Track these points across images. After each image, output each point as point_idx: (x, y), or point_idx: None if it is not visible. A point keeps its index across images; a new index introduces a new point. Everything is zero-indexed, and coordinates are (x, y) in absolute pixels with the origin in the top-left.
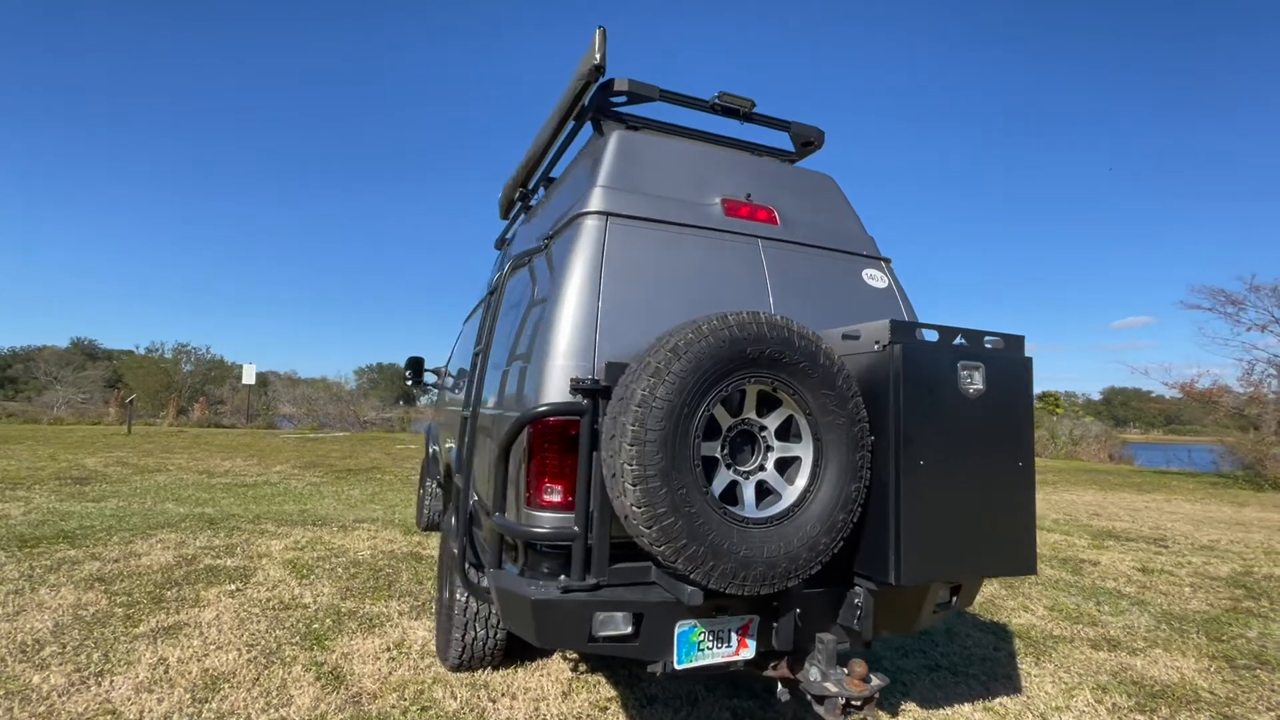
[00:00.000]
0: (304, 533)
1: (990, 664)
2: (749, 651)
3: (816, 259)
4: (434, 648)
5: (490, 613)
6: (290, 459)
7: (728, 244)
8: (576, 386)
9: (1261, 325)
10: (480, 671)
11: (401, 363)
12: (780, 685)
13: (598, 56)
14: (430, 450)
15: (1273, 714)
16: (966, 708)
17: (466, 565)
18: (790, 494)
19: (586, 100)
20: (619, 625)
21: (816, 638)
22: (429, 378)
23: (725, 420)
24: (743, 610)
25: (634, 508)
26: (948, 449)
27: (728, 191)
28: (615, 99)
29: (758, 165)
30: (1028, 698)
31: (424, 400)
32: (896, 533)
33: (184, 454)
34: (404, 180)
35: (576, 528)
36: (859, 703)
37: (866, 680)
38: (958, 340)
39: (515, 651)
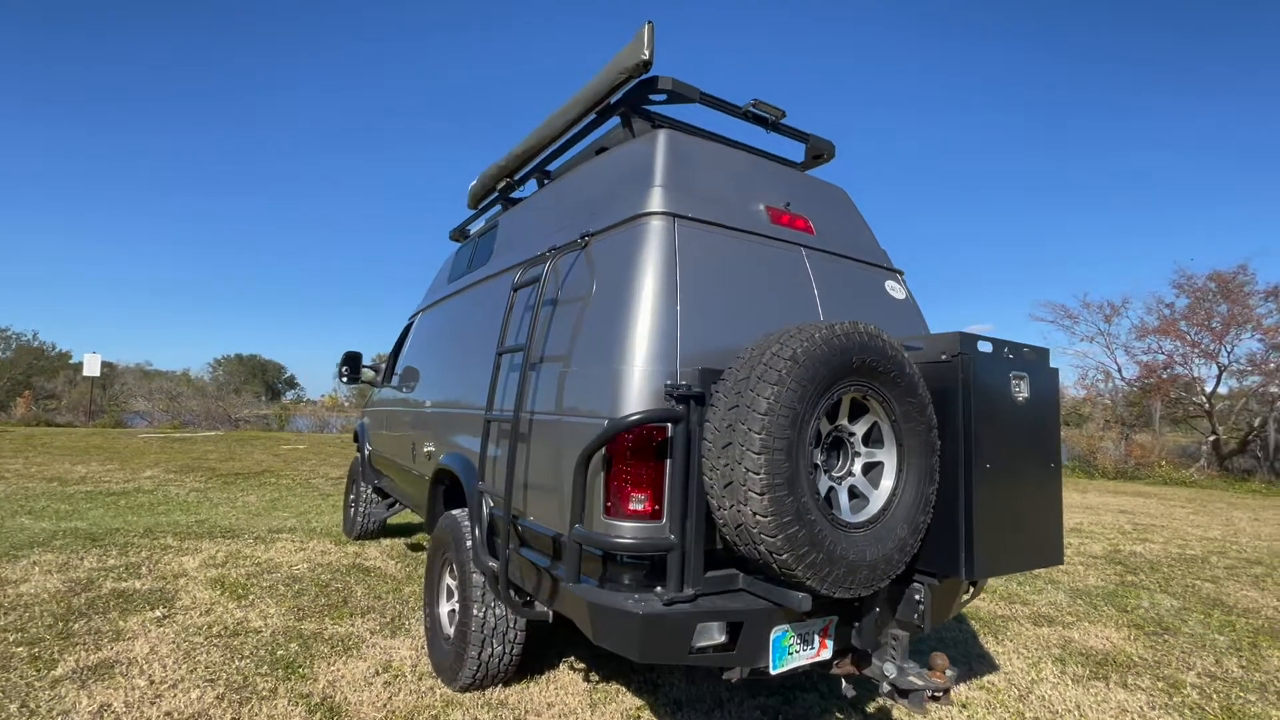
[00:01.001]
0: (216, 546)
1: (962, 645)
2: (828, 651)
3: (848, 269)
4: (428, 667)
5: (510, 627)
6: (159, 462)
7: (777, 251)
8: (673, 393)
9: (1090, 336)
10: (492, 690)
11: (265, 358)
12: (844, 681)
13: (646, 52)
14: (365, 452)
15: (1194, 672)
16: (963, 688)
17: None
18: (878, 497)
19: (618, 95)
20: (714, 635)
21: (889, 634)
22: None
23: (824, 427)
24: (823, 612)
25: (759, 517)
26: (1004, 452)
27: (768, 198)
28: (655, 97)
29: (786, 174)
30: (1006, 674)
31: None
32: (969, 531)
33: (18, 458)
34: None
35: (673, 536)
36: (939, 694)
37: (944, 672)
38: (1005, 352)
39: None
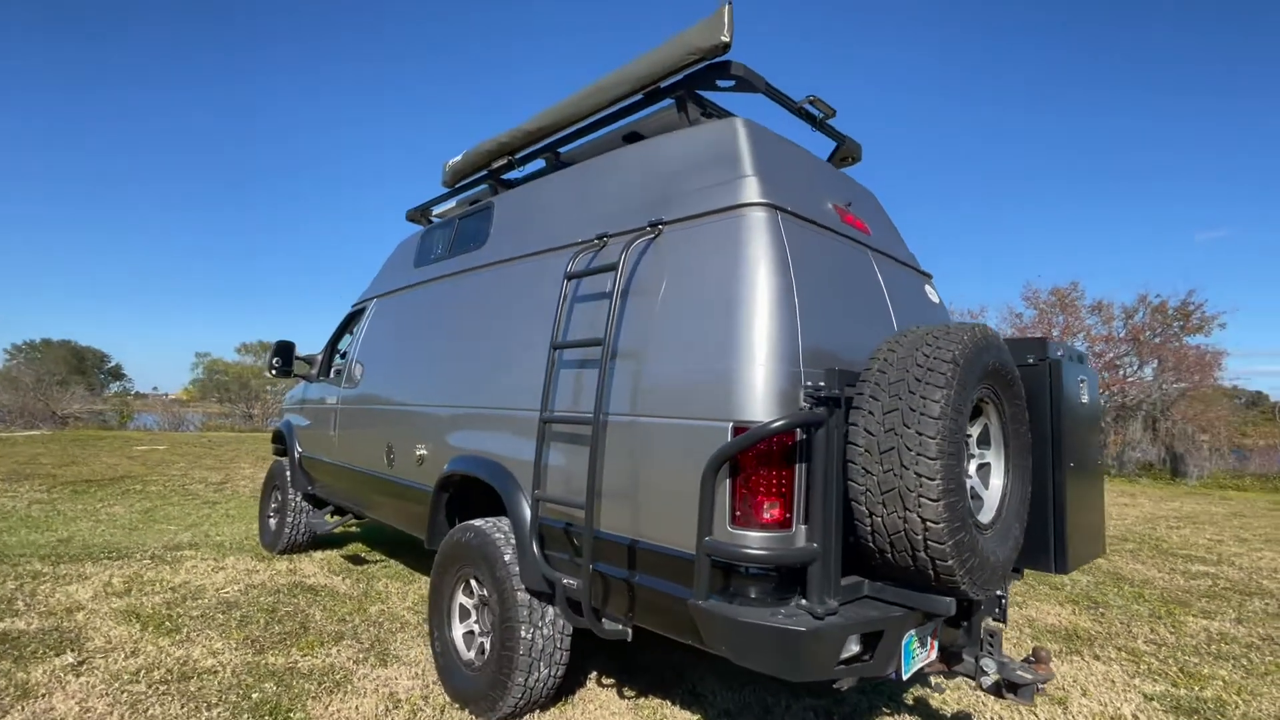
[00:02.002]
0: (105, 570)
1: None
2: (935, 651)
3: (899, 272)
4: (443, 697)
5: (557, 648)
6: None
7: (852, 251)
8: (815, 394)
9: None
10: (530, 717)
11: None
12: (933, 679)
13: (727, 35)
14: (295, 454)
15: (1140, 640)
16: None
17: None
18: (991, 498)
19: (676, 77)
20: (852, 646)
21: (985, 630)
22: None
23: None
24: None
25: (930, 524)
26: (1078, 452)
27: (831, 196)
28: (722, 82)
29: (835, 173)
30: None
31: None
32: (1061, 527)
33: None
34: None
35: (814, 545)
36: (1041, 685)
37: (1048, 664)
38: (1073, 356)
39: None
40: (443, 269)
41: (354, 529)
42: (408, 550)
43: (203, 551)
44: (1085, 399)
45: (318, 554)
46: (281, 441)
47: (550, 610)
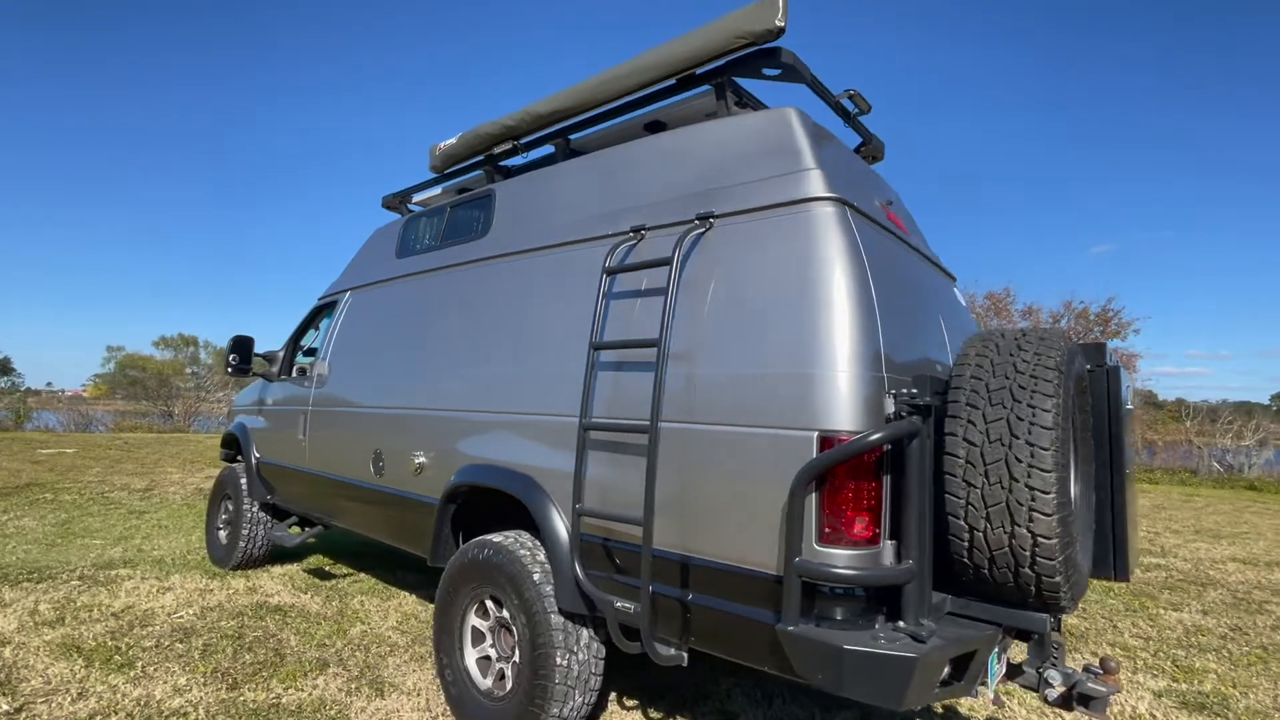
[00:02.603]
0: (27, 596)
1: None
2: (1005, 666)
3: (933, 273)
4: None
5: (593, 673)
6: None
7: (901, 250)
8: (911, 401)
9: None
10: None
11: None
12: (993, 692)
13: (781, 20)
14: (252, 460)
15: (1128, 635)
16: None
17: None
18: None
19: (715, 63)
20: (944, 668)
21: (1051, 641)
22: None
23: None
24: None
25: (1043, 539)
26: (1128, 458)
27: (877, 194)
28: (768, 70)
29: (870, 169)
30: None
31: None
32: (1122, 534)
33: None
34: None
35: (910, 562)
36: (1111, 696)
37: (1117, 675)
38: (1120, 362)
39: None
40: (433, 260)
41: (311, 540)
42: (376, 562)
43: (141, 569)
44: (1129, 405)
45: (277, 569)
46: (233, 446)
47: (585, 633)
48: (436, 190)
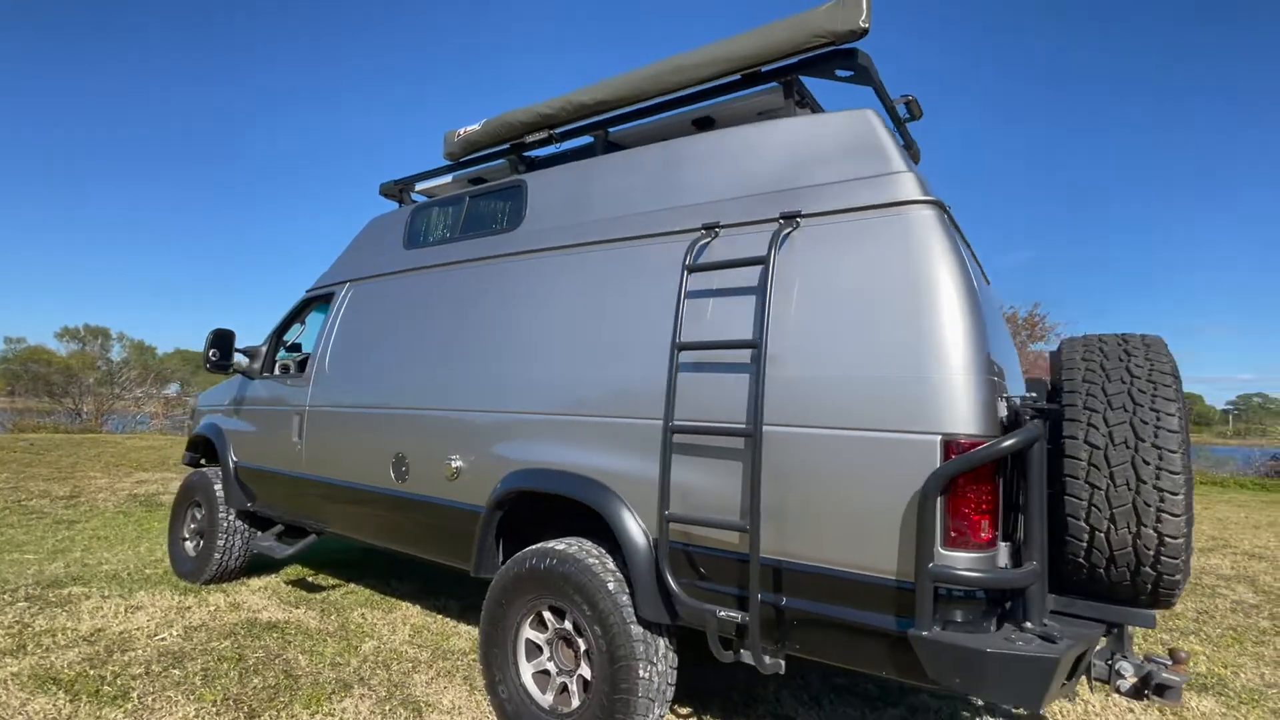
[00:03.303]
0: None
1: None
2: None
3: (980, 276)
4: None
5: (670, 684)
6: None
7: (968, 254)
8: (1034, 405)
9: None
10: None
11: None
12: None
13: (865, 20)
14: (230, 464)
15: None
16: None
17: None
18: None
19: (785, 61)
20: None
21: (1123, 633)
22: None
23: None
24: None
25: (1170, 539)
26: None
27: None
28: (841, 71)
29: None
30: None
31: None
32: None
33: None
34: None
35: (1034, 564)
36: (1184, 685)
37: (1186, 665)
38: None
39: None
40: (455, 253)
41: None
42: (364, 571)
43: (97, 587)
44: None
45: (255, 582)
46: (200, 449)
47: (662, 643)
48: (444, 179)
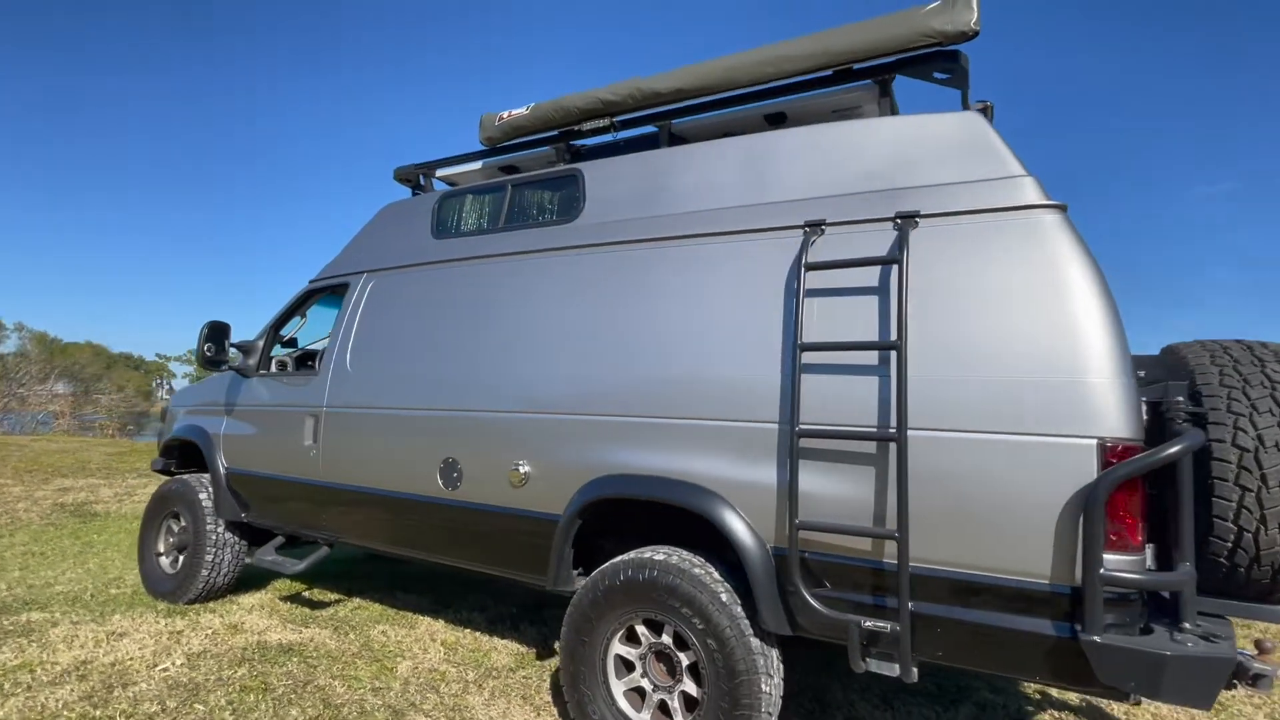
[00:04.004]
0: None
1: None
2: None
3: None
4: None
5: (779, 697)
6: None
7: None
8: (1190, 412)
9: None
10: None
11: None
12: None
13: (977, 24)
14: (220, 470)
15: None
16: None
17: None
18: None
19: (889, 59)
20: None
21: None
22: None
23: None
24: None
25: None
26: None
27: None
28: (939, 74)
29: None
30: None
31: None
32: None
33: None
34: None
35: (1188, 565)
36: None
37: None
38: None
39: None
40: (499, 244)
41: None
42: (365, 584)
43: (60, 611)
44: None
45: (245, 599)
46: (176, 454)
47: (775, 654)
48: (470, 166)
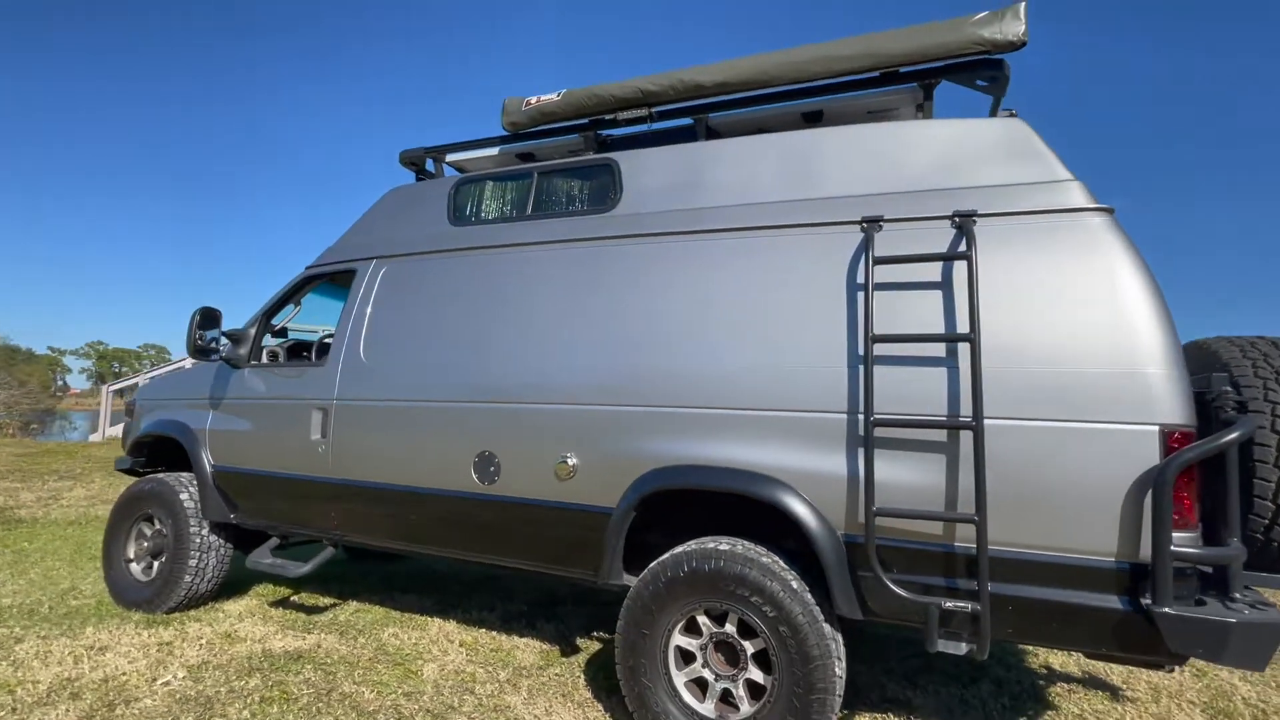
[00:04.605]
0: None
1: None
2: None
3: None
4: None
5: (844, 683)
6: None
7: None
8: (1239, 401)
9: None
10: None
11: None
12: None
13: (1025, 35)
14: (208, 467)
15: None
16: None
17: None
18: None
19: (936, 64)
20: None
21: None
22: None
23: None
24: None
25: None
26: None
27: None
28: (980, 81)
29: None
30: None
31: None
32: None
33: None
34: None
35: (1236, 540)
36: None
37: None
38: None
39: None
40: (526, 233)
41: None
42: (356, 586)
43: (22, 627)
44: None
45: (230, 606)
46: (146, 452)
47: (840, 639)
48: (488, 151)
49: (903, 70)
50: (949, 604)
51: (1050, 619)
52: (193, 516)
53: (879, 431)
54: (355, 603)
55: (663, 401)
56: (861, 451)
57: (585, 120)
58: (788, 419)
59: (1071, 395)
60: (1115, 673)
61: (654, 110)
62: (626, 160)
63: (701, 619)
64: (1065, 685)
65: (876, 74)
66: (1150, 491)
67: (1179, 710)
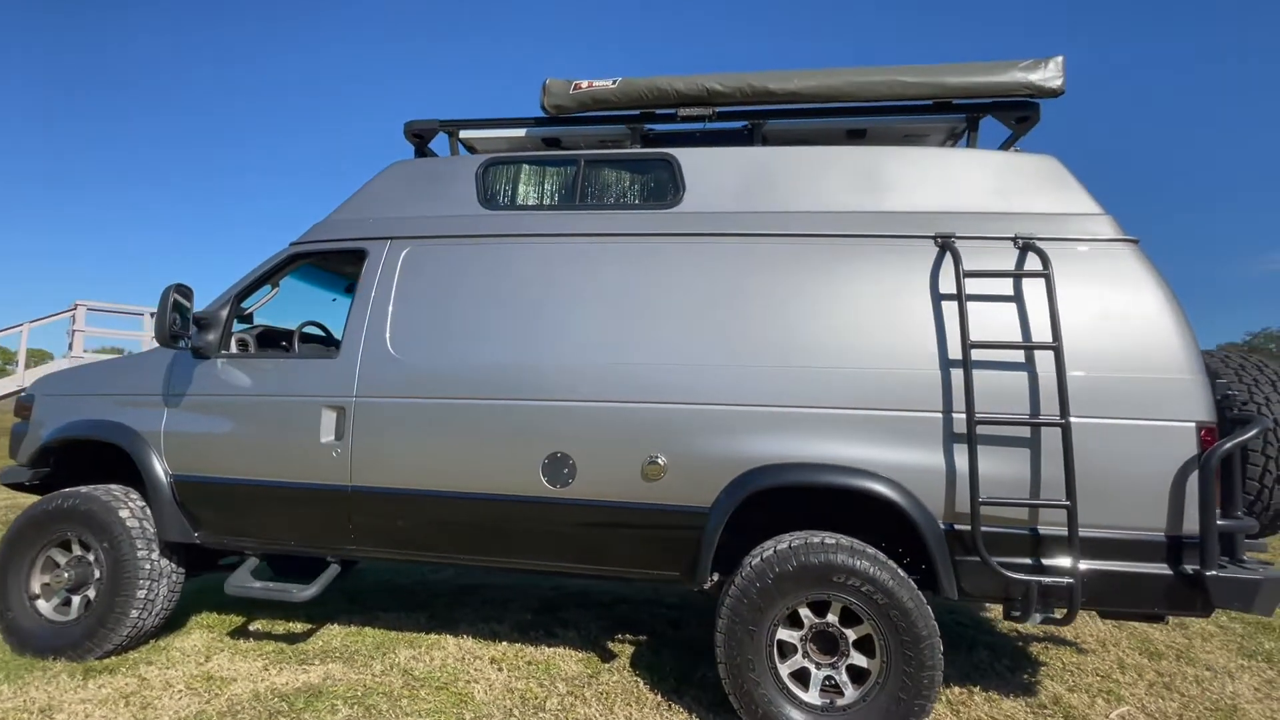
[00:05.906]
0: None
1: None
2: None
3: None
4: None
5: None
6: None
7: None
8: (1248, 399)
9: None
10: None
11: None
12: None
13: (1062, 85)
14: (164, 478)
15: None
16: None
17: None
18: None
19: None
20: None
21: None
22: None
23: None
24: None
25: None
26: None
27: None
28: (1016, 119)
29: None
30: None
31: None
32: None
33: None
34: None
35: (1242, 513)
36: None
37: None
38: None
39: None
40: (580, 223)
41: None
42: (332, 608)
43: None
44: None
45: (180, 642)
46: (50, 461)
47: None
48: (514, 132)
49: (955, 102)
50: (1047, 580)
51: (1120, 587)
52: (139, 538)
53: (980, 429)
54: (336, 626)
55: (762, 401)
56: (962, 447)
57: (635, 112)
58: (893, 418)
59: (1128, 396)
60: (1065, 632)
61: (716, 110)
62: (686, 157)
63: (804, 611)
64: (1038, 644)
65: (929, 102)
66: (1195, 476)
67: (1123, 654)
